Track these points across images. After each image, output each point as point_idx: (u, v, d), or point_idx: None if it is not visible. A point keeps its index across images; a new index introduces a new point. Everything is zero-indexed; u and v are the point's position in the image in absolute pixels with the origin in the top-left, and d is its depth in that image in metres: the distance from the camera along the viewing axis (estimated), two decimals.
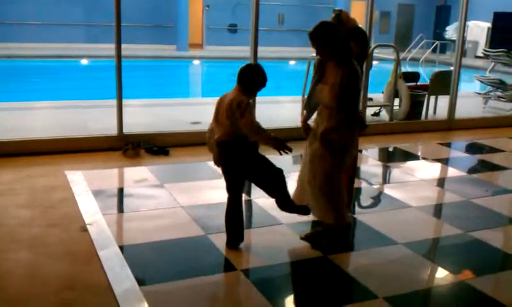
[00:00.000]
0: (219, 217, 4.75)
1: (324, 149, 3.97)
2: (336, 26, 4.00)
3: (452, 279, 3.96)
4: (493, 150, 7.85)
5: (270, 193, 4.18)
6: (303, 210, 4.26)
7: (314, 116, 4.29)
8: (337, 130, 3.95)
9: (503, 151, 7.81)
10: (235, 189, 4.07)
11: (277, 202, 4.22)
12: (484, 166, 7.17)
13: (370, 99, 8.94)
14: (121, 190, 5.62)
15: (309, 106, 4.26)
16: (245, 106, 3.83)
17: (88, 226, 4.45)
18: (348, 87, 3.89)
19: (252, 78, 3.97)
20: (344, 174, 4.21)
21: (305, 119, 4.33)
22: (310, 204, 4.24)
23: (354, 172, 4.43)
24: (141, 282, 3.63)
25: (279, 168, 4.09)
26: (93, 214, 4.71)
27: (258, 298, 3.55)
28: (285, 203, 4.20)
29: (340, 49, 3.94)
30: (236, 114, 3.83)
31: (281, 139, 3.95)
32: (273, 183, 4.10)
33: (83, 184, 5.45)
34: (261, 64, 4.16)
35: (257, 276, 3.84)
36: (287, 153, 3.97)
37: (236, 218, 4.11)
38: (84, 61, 18.68)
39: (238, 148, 3.95)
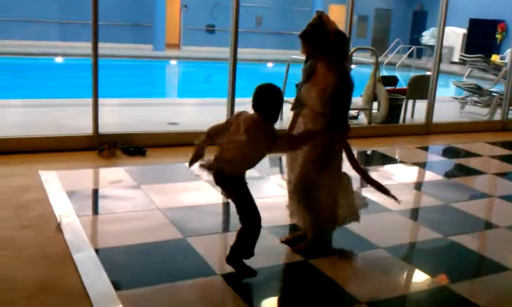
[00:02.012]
0: (198, 219, 4.70)
1: (307, 156, 3.93)
2: (326, 27, 3.97)
3: (433, 284, 3.94)
4: (470, 154, 7.89)
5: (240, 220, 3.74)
6: (246, 271, 3.75)
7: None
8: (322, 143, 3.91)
9: (479, 155, 7.86)
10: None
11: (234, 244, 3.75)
12: (461, 170, 7.21)
13: None
14: (96, 191, 5.49)
15: (296, 108, 4.20)
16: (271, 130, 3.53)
17: (62, 228, 4.32)
18: (339, 90, 3.87)
19: (273, 103, 3.56)
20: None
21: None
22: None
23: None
24: (117, 286, 3.52)
25: (258, 216, 3.66)
26: (68, 215, 4.58)
27: (238, 303, 3.48)
28: (235, 252, 3.72)
29: (331, 50, 3.91)
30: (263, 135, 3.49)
31: None
32: (245, 222, 3.68)
33: (57, 184, 5.31)
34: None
35: (237, 281, 3.75)
36: None
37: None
38: (59, 59, 18.38)
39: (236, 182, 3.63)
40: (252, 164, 3.63)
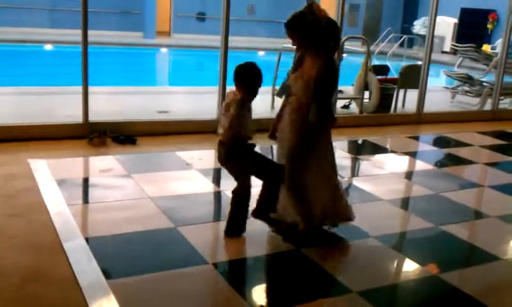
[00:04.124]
0: (189, 208, 4.69)
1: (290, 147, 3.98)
2: (313, 16, 3.95)
3: (424, 273, 3.96)
4: (460, 144, 7.91)
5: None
6: (271, 221, 4.26)
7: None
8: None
9: (470, 145, 7.88)
10: (243, 179, 4.09)
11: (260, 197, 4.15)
12: (452, 160, 7.22)
13: (341, 91, 8.92)
14: (86, 180, 5.46)
15: (282, 94, 4.24)
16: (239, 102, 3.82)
17: (52, 217, 4.29)
18: (323, 80, 3.87)
19: (252, 79, 3.88)
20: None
21: (275, 124, 4.26)
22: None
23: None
24: (107, 275, 3.51)
25: (278, 167, 4.08)
26: (58, 204, 4.55)
27: (229, 292, 3.48)
28: (264, 206, 4.16)
29: (317, 40, 3.90)
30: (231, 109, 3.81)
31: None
32: (271, 175, 4.08)
33: (47, 173, 5.27)
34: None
35: (228, 269, 3.76)
36: None
37: (244, 205, 4.11)
38: (49, 47, 18.21)
39: (235, 150, 3.94)
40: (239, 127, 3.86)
